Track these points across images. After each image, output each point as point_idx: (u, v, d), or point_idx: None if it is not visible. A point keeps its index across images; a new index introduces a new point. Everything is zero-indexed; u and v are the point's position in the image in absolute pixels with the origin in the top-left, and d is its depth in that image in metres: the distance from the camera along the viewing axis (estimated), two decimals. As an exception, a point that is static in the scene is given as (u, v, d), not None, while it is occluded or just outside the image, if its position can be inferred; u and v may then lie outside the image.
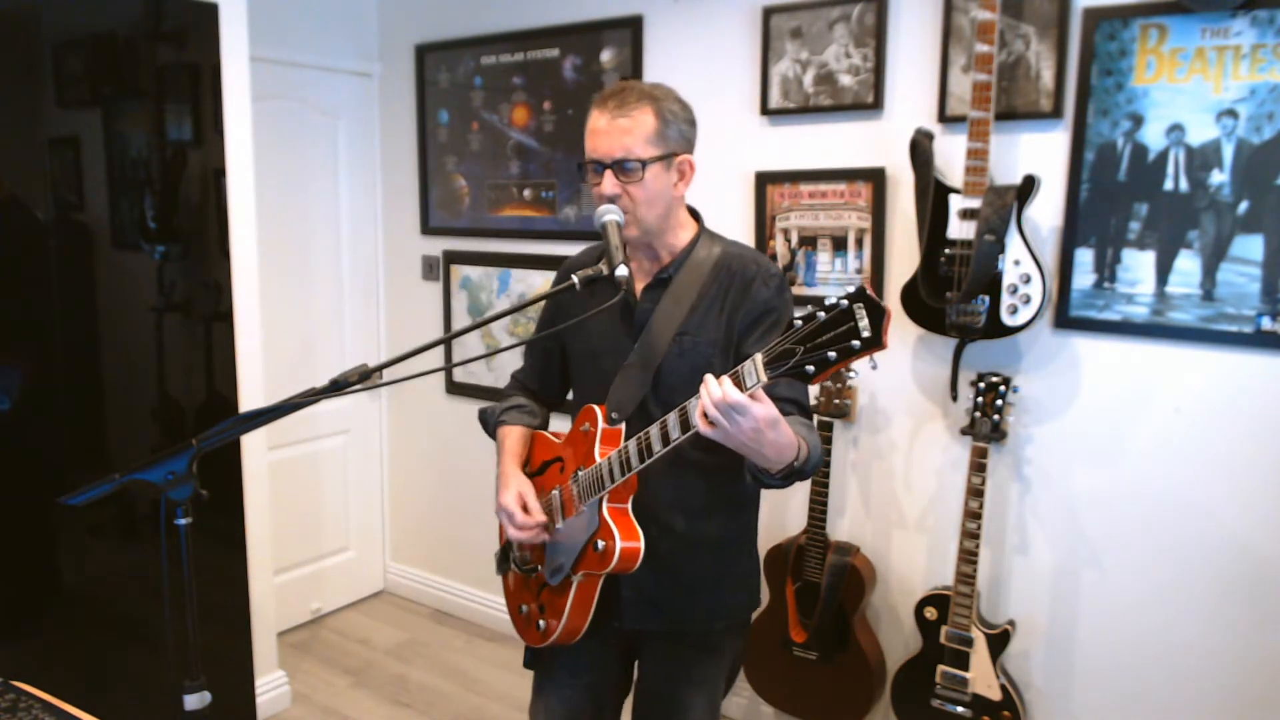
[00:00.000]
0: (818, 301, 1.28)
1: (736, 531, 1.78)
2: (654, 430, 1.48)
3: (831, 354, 1.23)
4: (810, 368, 1.25)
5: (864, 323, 1.21)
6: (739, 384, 1.33)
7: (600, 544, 1.59)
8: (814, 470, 1.54)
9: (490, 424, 1.91)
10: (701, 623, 1.75)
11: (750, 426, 1.33)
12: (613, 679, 1.85)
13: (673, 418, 1.45)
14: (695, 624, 1.74)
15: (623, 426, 1.63)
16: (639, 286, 1.70)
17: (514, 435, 1.84)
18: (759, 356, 1.31)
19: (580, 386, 1.82)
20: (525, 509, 1.69)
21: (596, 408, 1.66)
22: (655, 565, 1.62)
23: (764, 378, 1.30)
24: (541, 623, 1.75)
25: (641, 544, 1.58)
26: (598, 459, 1.61)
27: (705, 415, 1.34)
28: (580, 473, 1.64)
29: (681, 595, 1.72)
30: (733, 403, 1.30)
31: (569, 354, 1.84)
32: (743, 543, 1.80)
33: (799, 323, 1.27)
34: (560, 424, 1.86)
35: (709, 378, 1.35)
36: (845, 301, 1.23)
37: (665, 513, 1.66)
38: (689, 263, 1.67)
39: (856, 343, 1.22)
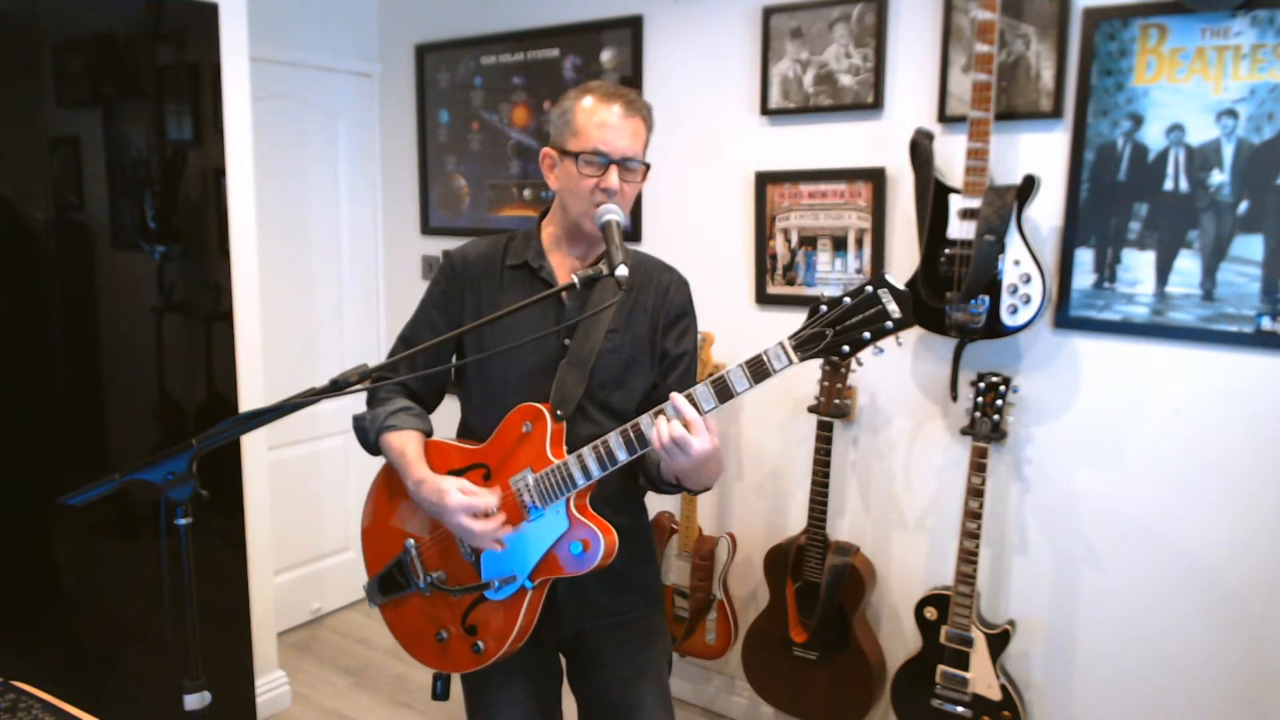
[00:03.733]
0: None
1: (644, 518, 1.82)
2: (646, 419, 1.48)
3: (866, 334, 1.37)
4: (846, 347, 1.39)
5: (892, 305, 1.35)
6: (728, 389, 1.42)
7: (577, 545, 1.53)
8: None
9: (371, 432, 1.71)
10: (635, 612, 1.76)
11: (694, 457, 1.44)
12: (551, 678, 1.82)
13: (646, 420, 1.48)
14: (629, 614, 1.75)
15: (564, 424, 1.59)
16: (563, 284, 1.64)
17: (415, 440, 1.67)
18: (787, 341, 1.41)
19: (485, 385, 1.70)
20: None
21: (541, 406, 1.58)
22: None
23: (795, 359, 1.40)
24: (480, 644, 1.63)
25: (616, 535, 1.55)
26: (554, 459, 1.54)
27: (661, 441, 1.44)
28: (530, 475, 1.56)
29: (613, 589, 1.71)
30: (676, 439, 1.42)
31: (471, 352, 1.71)
32: (648, 530, 1.86)
33: (824, 308, 1.39)
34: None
35: (673, 400, 1.43)
36: (870, 288, 1.36)
37: (597, 504, 1.59)
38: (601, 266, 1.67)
39: (889, 323, 1.36)
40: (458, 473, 1.65)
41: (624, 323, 1.68)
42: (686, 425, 1.42)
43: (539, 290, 1.62)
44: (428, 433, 1.73)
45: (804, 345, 1.40)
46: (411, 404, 1.74)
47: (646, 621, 1.80)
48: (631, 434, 1.49)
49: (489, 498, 1.57)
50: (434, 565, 1.68)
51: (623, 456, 1.50)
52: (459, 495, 1.55)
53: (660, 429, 1.43)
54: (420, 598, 1.71)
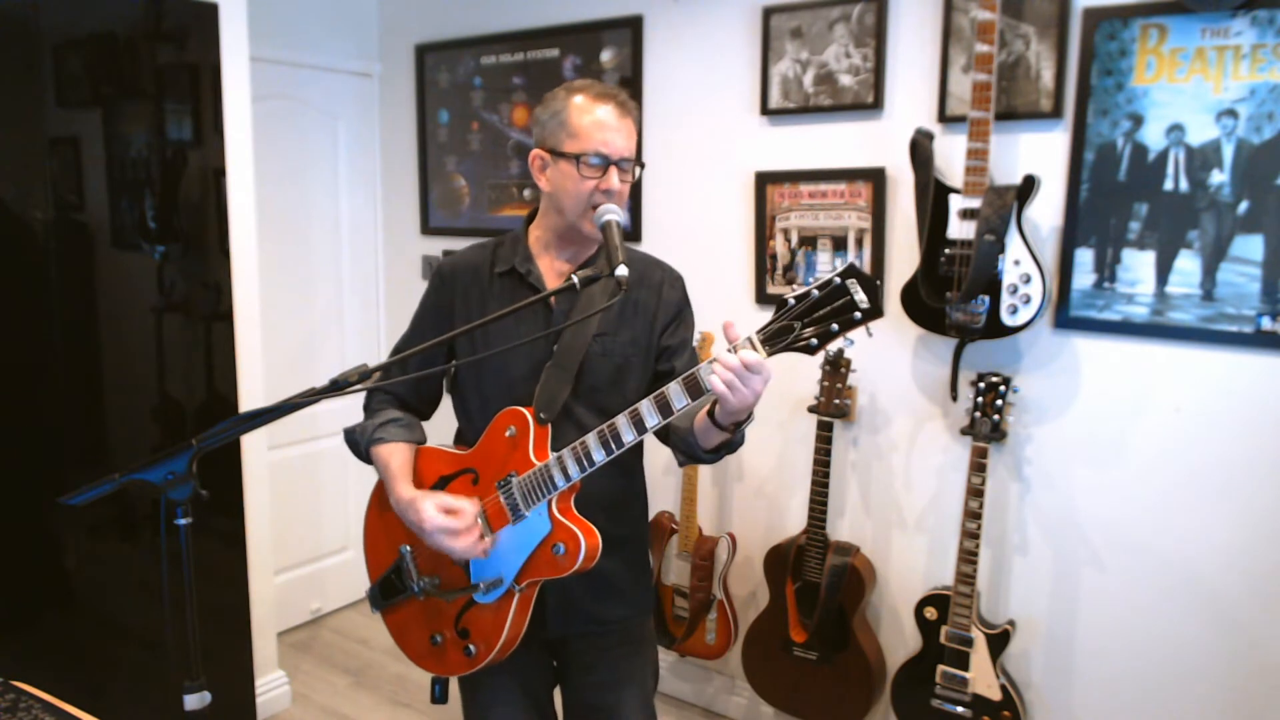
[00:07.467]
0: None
1: (640, 528, 1.81)
2: (622, 419, 1.46)
3: (834, 326, 1.34)
4: (814, 340, 1.35)
5: (860, 295, 1.32)
6: (699, 387, 1.40)
7: (560, 547, 1.53)
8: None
9: (362, 444, 1.72)
10: (621, 621, 1.76)
11: (757, 391, 1.39)
12: (543, 679, 1.83)
13: (674, 387, 1.43)
14: (615, 623, 1.75)
15: (549, 427, 1.59)
16: (553, 287, 1.63)
17: (400, 453, 1.68)
18: (754, 336, 1.38)
19: (479, 393, 1.70)
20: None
21: (524, 410, 1.58)
22: None
23: (763, 354, 1.37)
24: (471, 647, 1.64)
25: (599, 538, 1.54)
26: (537, 461, 1.54)
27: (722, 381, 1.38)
28: (515, 478, 1.57)
29: (602, 597, 1.71)
30: (750, 364, 1.36)
31: (463, 358, 1.71)
32: (644, 540, 1.84)
33: (793, 301, 1.36)
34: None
35: (724, 350, 1.40)
36: (838, 279, 1.33)
37: (591, 511, 1.58)
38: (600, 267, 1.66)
39: (858, 314, 1.32)
40: (447, 478, 1.66)
41: (615, 325, 1.66)
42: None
43: (527, 295, 1.60)
44: (418, 442, 1.74)
45: (772, 340, 1.37)
46: (401, 415, 1.75)
47: (633, 630, 1.80)
48: (608, 433, 1.48)
49: (467, 511, 1.57)
50: (427, 570, 1.69)
51: (599, 456, 1.49)
52: (436, 516, 1.56)
53: (725, 361, 1.37)
54: (417, 602, 1.72)
